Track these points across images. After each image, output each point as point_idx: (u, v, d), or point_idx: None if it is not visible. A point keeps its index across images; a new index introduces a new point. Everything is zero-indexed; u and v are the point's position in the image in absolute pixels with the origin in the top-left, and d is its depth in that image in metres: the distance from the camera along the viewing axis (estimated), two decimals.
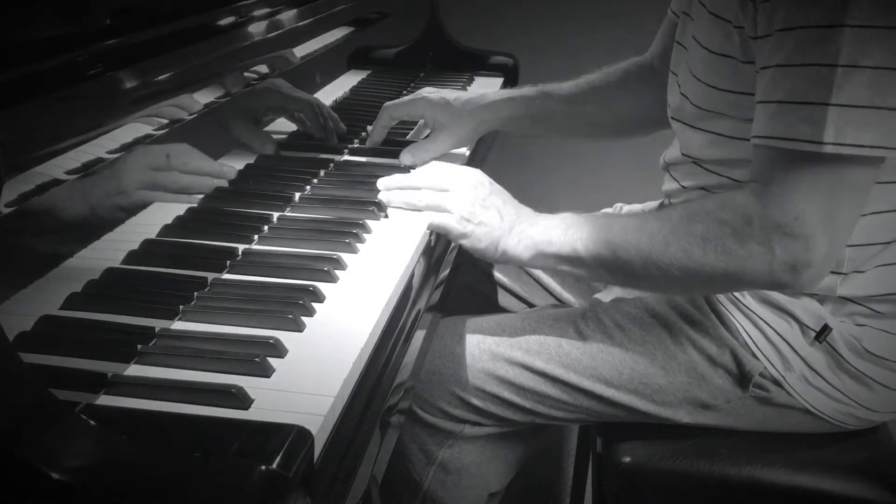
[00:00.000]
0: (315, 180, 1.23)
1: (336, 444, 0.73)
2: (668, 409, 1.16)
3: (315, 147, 1.36)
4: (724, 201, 1.01)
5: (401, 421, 0.94)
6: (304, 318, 0.86)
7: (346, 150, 1.37)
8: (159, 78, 0.96)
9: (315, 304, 0.89)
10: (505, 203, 1.12)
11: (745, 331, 1.13)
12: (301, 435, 0.68)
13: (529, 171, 2.38)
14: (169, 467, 0.63)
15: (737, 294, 1.14)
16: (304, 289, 0.91)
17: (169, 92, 0.98)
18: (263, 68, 1.24)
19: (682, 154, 1.20)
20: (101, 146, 0.86)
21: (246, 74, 1.19)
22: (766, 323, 1.12)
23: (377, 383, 0.84)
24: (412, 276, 1.02)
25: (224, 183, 1.16)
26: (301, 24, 1.34)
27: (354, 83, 1.70)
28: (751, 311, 1.13)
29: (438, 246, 1.13)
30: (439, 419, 1.21)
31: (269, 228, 1.06)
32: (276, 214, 1.10)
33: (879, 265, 1.10)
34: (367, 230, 1.07)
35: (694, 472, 1.15)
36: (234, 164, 1.21)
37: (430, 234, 1.11)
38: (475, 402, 1.19)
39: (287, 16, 1.32)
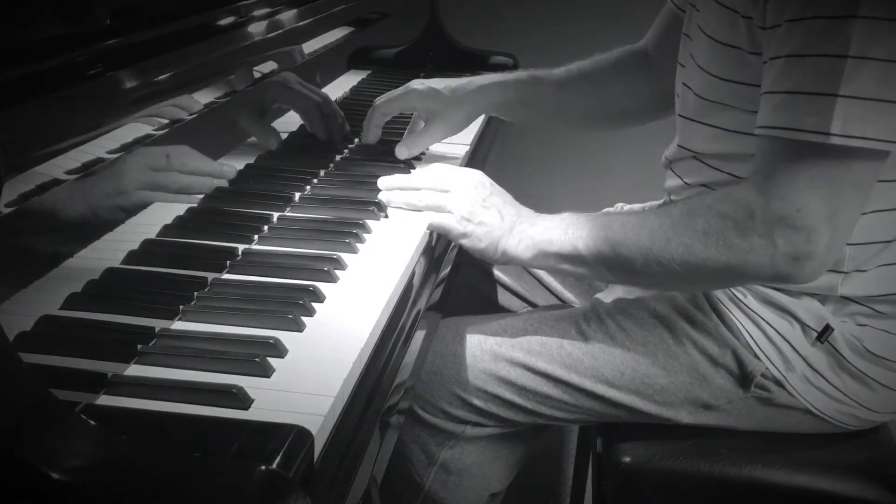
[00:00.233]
0: (315, 180, 1.23)
1: (336, 444, 0.73)
2: (670, 410, 1.16)
3: (315, 147, 1.36)
4: (724, 195, 1.01)
5: (401, 421, 0.94)
6: (304, 318, 0.86)
7: (346, 150, 1.37)
8: (159, 78, 0.96)
9: (315, 304, 0.89)
10: (505, 203, 1.12)
11: (746, 331, 1.13)
12: (301, 435, 0.68)
13: (530, 172, 2.38)
14: (169, 467, 0.63)
15: (738, 294, 1.14)
16: (304, 289, 0.91)
17: (169, 92, 0.98)
18: (264, 68, 1.24)
19: (684, 147, 1.19)
20: (101, 146, 0.86)
21: (246, 75, 1.19)
22: (768, 323, 1.12)
23: (377, 383, 0.84)
24: (412, 275, 1.02)
25: (224, 183, 1.16)
26: (301, 24, 1.34)
27: (354, 83, 1.70)
28: (752, 311, 1.13)
29: (439, 245, 1.13)
30: (440, 420, 1.21)
31: (269, 228, 1.06)
32: (276, 214, 1.10)
33: (881, 265, 1.10)
34: (367, 230, 1.07)
35: (694, 473, 1.15)
36: (234, 164, 1.21)
37: (431, 234, 1.11)
38: (477, 402, 1.19)
39: (287, 16, 1.32)
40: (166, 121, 0.99)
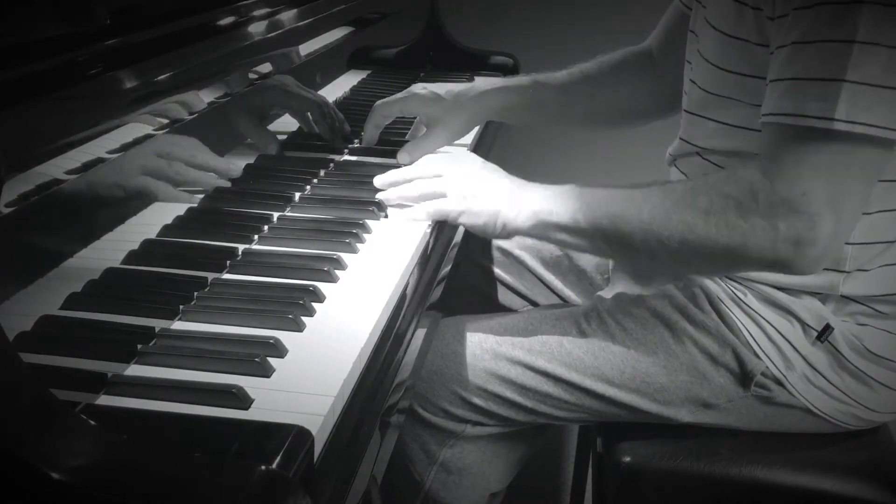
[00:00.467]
0: (315, 180, 1.23)
1: (336, 443, 0.73)
2: (670, 409, 1.16)
3: (315, 147, 1.36)
4: (729, 175, 1.00)
5: (401, 420, 0.94)
6: (304, 318, 0.86)
7: (346, 150, 1.37)
8: (159, 78, 0.96)
9: (315, 304, 0.89)
10: (500, 177, 1.12)
11: (746, 330, 1.13)
12: (301, 435, 0.68)
13: (531, 171, 2.35)
14: (169, 467, 0.63)
15: (738, 293, 1.14)
16: (305, 289, 0.91)
17: (169, 92, 0.98)
18: (264, 68, 1.24)
19: (686, 141, 1.19)
20: (101, 146, 0.86)
21: (247, 75, 1.19)
22: (768, 322, 1.12)
23: (377, 383, 0.84)
24: (412, 275, 1.02)
25: (224, 183, 1.16)
26: (301, 23, 1.34)
27: (354, 83, 1.70)
28: (753, 310, 1.13)
29: (439, 244, 1.13)
30: (441, 419, 1.21)
31: (269, 228, 1.06)
32: (276, 214, 1.10)
33: (883, 265, 1.10)
34: (367, 230, 1.07)
35: (694, 472, 1.15)
36: (239, 163, 1.21)
37: (431, 234, 1.11)
38: (477, 401, 1.19)
39: (287, 16, 1.32)
40: (166, 121, 0.99)
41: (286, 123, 1.41)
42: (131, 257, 0.95)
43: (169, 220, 1.04)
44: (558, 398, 1.19)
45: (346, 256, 1.00)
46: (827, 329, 1.11)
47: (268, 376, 0.77)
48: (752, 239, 0.97)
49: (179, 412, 0.71)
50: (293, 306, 0.87)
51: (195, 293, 0.89)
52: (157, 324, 0.84)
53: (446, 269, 1.13)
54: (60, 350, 0.78)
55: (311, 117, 1.38)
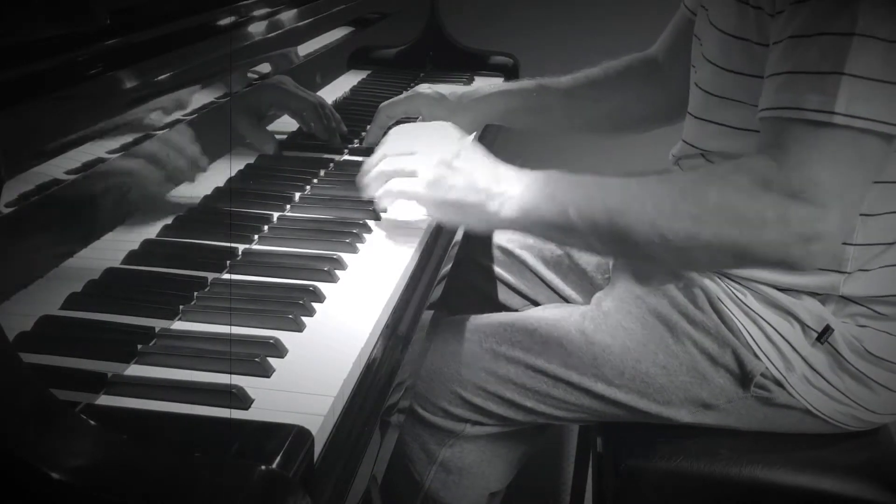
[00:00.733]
0: (315, 180, 1.23)
1: (336, 443, 0.73)
2: (670, 409, 1.16)
3: (315, 147, 1.36)
4: (738, 165, 0.96)
5: (401, 420, 0.94)
6: (304, 318, 0.86)
7: (346, 150, 1.37)
8: (159, 78, 0.96)
9: (315, 304, 0.89)
10: (479, 162, 1.03)
11: (746, 331, 1.13)
12: (301, 435, 0.68)
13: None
14: (169, 467, 0.63)
15: (738, 294, 1.14)
16: (305, 289, 0.91)
17: (169, 92, 0.98)
18: (264, 68, 1.24)
19: (689, 144, 1.19)
20: (101, 146, 0.86)
21: (246, 75, 1.19)
22: (768, 323, 1.12)
23: (377, 383, 0.84)
24: (412, 274, 1.02)
25: (224, 183, 1.16)
26: (301, 24, 1.34)
27: (354, 83, 1.70)
28: (753, 311, 1.13)
29: (439, 244, 1.13)
30: (440, 418, 1.21)
31: (269, 228, 1.06)
32: (276, 214, 1.10)
33: (884, 266, 1.10)
34: (368, 230, 1.07)
35: (694, 472, 1.15)
36: (236, 165, 1.21)
37: (431, 234, 1.10)
38: (477, 401, 1.19)
39: (287, 16, 1.32)
40: (166, 121, 0.99)
41: (286, 124, 1.41)
42: (131, 257, 0.95)
43: (169, 221, 1.04)
44: (558, 398, 1.18)
45: (346, 256, 1.00)
46: (827, 330, 1.11)
47: (268, 376, 0.77)
48: (764, 235, 0.93)
49: (179, 412, 0.71)
50: (293, 306, 0.88)
51: (195, 293, 0.89)
52: (157, 324, 0.84)
53: (447, 268, 1.13)
54: (60, 350, 0.78)
55: (308, 118, 1.38)
